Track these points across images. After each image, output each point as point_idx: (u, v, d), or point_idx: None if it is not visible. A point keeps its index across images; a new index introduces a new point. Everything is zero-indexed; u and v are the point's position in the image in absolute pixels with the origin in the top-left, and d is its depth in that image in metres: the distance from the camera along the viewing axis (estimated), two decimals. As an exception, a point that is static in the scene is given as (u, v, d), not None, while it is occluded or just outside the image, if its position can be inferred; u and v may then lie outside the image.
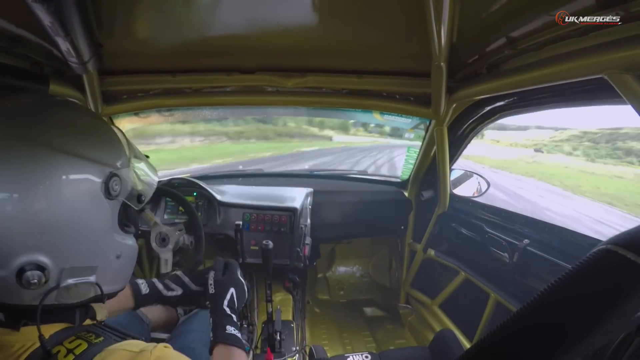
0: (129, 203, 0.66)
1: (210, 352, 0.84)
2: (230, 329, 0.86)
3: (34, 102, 0.59)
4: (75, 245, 0.57)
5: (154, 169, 0.77)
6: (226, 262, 1.03)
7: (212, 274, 0.98)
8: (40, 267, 0.54)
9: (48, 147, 0.53)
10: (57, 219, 0.54)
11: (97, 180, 0.58)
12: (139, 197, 0.68)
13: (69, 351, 0.54)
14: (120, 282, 0.71)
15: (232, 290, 0.95)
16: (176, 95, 1.51)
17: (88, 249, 0.59)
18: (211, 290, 0.96)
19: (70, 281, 0.58)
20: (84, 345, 0.56)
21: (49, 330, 0.58)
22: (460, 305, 1.76)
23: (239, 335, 0.86)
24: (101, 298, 0.65)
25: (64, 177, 0.54)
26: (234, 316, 0.91)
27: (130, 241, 0.69)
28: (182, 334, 1.18)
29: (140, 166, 0.71)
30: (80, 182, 0.56)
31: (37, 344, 0.55)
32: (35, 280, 0.53)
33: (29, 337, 0.56)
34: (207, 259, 1.55)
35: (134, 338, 0.63)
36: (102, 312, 0.69)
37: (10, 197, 0.50)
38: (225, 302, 0.93)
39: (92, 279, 0.61)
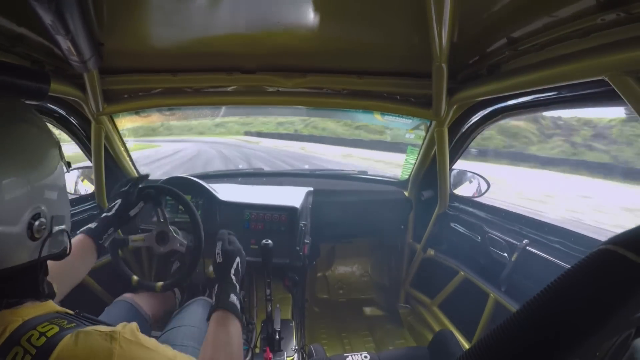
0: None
1: (209, 316, 0.89)
2: (233, 298, 0.92)
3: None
4: (57, 195, 0.69)
5: None
6: (229, 234, 1.10)
7: (219, 244, 1.04)
8: (40, 216, 0.64)
9: (41, 129, 0.67)
10: (49, 176, 0.67)
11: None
12: None
13: (41, 334, 0.57)
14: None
15: (237, 259, 1.02)
16: (177, 94, 1.51)
17: (62, 199, 0.71)
18: (218, 259, 1.01)
19: (57, 228, 0.68)
20: (56, 329, 0.58)
21: (23, 315, 0.60)
22: (460, 305, 1.76)
23: (238, 305, 0.92)
24: (66, 253, 0.74)
25: (53, 149, 0.69)
26: (237, 285, 0.96)
27: None
28: (173, 329, 1.19)
29: None
30: (55, 150, 0.71)
31: (10, 328, 0.58)
32: (44, 227, 0.64)
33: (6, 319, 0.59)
34: (205, 258, 1.55)
35: (106, 325, 0.65)
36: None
37: (24, 168, 0.62)
38: (232, 271, 0.99)
39: (64, 226, 0.71)
